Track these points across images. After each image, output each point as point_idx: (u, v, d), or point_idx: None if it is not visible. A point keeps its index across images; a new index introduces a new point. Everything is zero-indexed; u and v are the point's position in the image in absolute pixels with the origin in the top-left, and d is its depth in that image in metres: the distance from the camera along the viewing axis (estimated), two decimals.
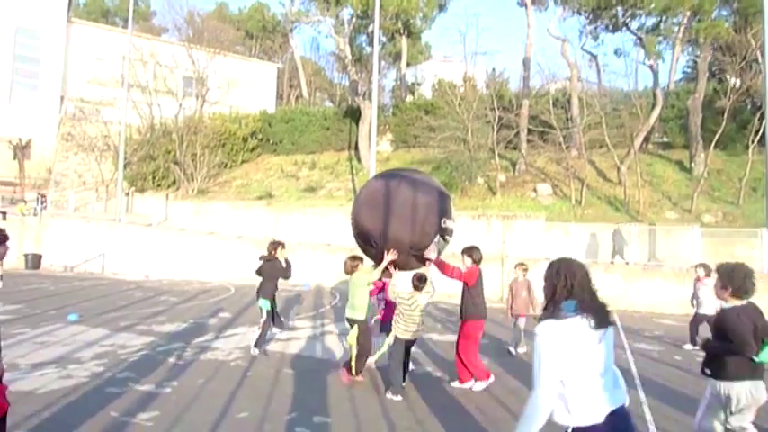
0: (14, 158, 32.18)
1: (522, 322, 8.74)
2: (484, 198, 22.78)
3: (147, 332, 9.28)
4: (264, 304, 7.83)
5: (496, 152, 23.77)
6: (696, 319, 9.31)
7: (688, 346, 9.29)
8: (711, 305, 8.24)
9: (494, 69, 32.48)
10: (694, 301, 9.53)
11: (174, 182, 28.74)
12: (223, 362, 7.32)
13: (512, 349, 8.66)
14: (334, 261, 16.75)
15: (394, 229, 6.05)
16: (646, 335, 10.87)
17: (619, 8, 24.10)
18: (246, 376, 6.60)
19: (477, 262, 6.63)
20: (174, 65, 33.71)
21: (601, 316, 2.46)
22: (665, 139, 25.71)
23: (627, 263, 16.32)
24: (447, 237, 6.36)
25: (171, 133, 29.33)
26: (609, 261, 16.61)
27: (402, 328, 6.20)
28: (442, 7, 32.49)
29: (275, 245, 8.01)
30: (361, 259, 6.78)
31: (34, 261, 21.30)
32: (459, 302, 6.63)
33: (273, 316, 8.02)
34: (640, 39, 24.73)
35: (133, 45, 30.20)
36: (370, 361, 6.90)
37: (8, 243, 2.98)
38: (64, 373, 6.38)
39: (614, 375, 2.47)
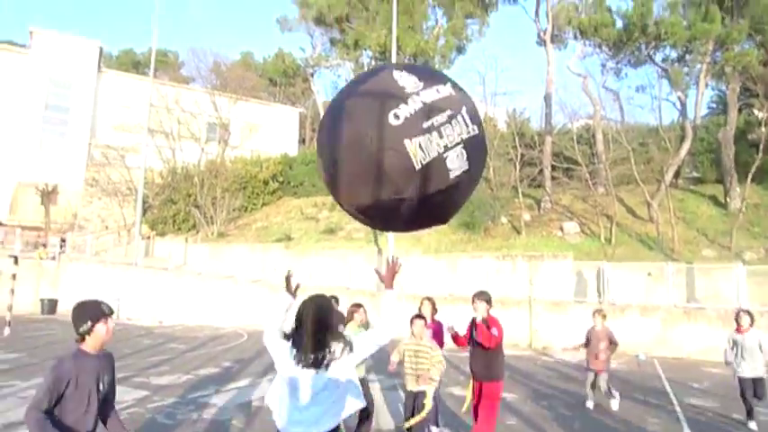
0: (41, 203, 32.71)
1: (603, 381, 7.59)
2: (508, 238, 21.93)
3: (142, 385, 8.63)
4: None
5: (520, 190, 23.06)
6: (743, 386, 7.02)
7: (753, 426, 6.94)
8: (757, 364, 6.92)
9: (514, 109, 32.12)
10: (736, 360, 7.11)
11: (195, 225, 28.67)
12: (214, 421, 6.61)
13: (590, 403, 7.71)
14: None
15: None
16: (694, 387, 9.76)
17: (641, 41, 23.59)
18: None
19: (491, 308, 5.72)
20: (197, 111, 34.31)
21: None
22: (696, 174, 24.69)
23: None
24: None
25: (192, 177, 29.50)
26: (645, 303, 15.48)
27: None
28: (460, 49, 32.57)
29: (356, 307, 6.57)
30: (358, 306, 6.05)
31: (50, 306, 21.08)
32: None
33: None
34: (665, 71, 24.09)
35: (158, 92, 30.87)
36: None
37: None
38: None
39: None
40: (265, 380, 9.20)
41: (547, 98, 27.13)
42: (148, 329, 17.05)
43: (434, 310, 6.61)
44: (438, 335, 6.48)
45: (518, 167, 23.52)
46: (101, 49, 35.66)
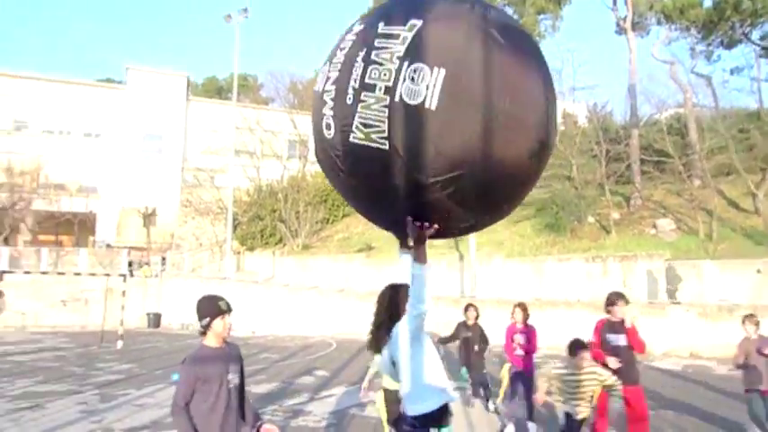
0: (143, 226, 35.37)
1: None
2: (596, 238, 20.97)
3: None
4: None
5: (607, 187, 22.01)
6: None
7: None
8: None
9: (595, 103, 30.76)
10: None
11: (281, 239, 29.82)
12: (313, 428, 6.81)
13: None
14: (437, 312, 15.95)
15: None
16: None
17: (734, 20, 21.86)
18: None
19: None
20: (278, 129, 35.84)
21: None
22: None
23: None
24: None
25: (276, 193, 30.77)
26: (755, 303, 14.21)
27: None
28: None
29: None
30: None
31: (155, 320, 22.70)
32: None
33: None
34: (765, 49, 22.16)
35: (241, 115, 32.53)
36: None
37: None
38: None
39: None
40: (356, 387, 9.35)
41: (631, 89, 25.78)
42: (244, 340, 17.90)
43: (526, 316, 6.59)
44: (531, 340, 6.47)
45: (603, 164, 22.48)
46: (188, 80, 38.22)
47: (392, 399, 4.52)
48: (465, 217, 2.70)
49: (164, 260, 26.37)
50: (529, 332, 6.54)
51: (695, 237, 19.15)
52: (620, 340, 5.14)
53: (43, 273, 21.55)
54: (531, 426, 6.25)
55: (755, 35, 22.32)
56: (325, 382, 10.25)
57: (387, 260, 23.62)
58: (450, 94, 2.30)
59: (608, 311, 5.33)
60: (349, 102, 2.51)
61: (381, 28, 2.52)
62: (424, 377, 2.77)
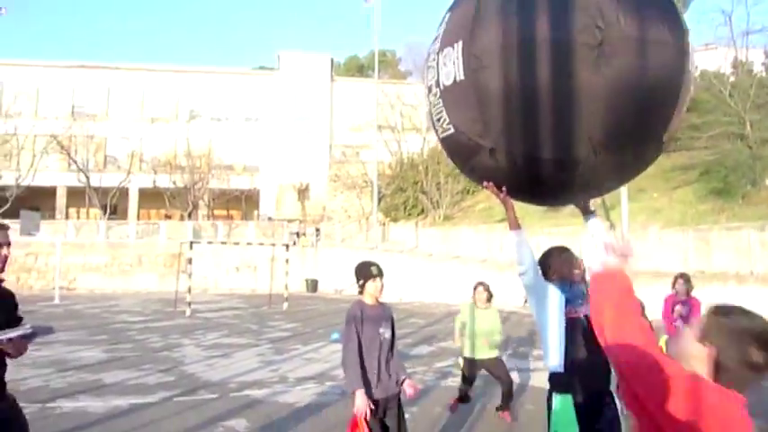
0: (298, 200, 38.63)
1: None
2: None
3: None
4: None
5: None
6: None
7: None
8: None
9: None
10: None
11: (423, 210, 30.66)
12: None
13: None
14: None
15: None
16: None
17: None
18: (486, 408, 6.38)
19: None
20: (417, 103, 36.46)
21: None
22: None
23: None
24: None
25: (417, 166, 31.55)
26: None
27: None
28: None
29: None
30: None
31: (312, 285, 24.95)
32: None
33: None
34: None
35: (382, 91, 33.65)
36: None
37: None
38: (320, 390, 7.11)
39: None
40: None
41: None
42: (393, 306, 18.98)
43: (690, 287, 6.22)
44: (694, 312, 6.11)
45: None
46: (332, 61, 40.33)
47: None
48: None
49: (318, 231, 28.66)
50: (692, 304, 6.20)
51: None
52: None
53: (222, 243, 24.70)
54: None
55: None
56: None
57: (529, 230, 23.19)
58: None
59: None
60: (427, 107, 2.84)
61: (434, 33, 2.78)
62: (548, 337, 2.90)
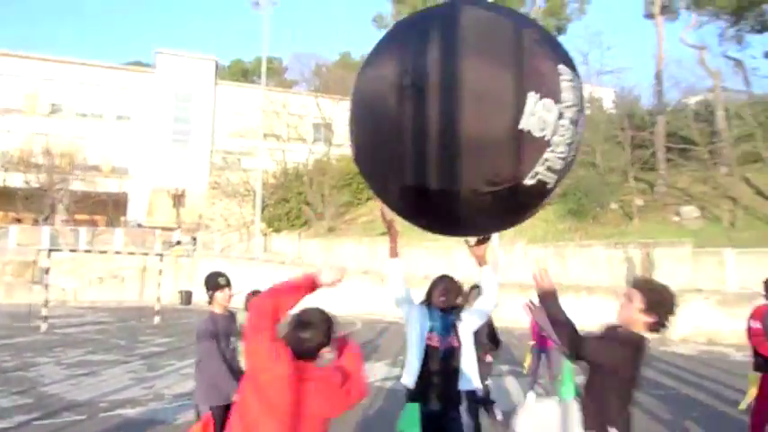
0: (173, 206, 36.48)
1: None
2: (619, 225, 21.12)
3: None
4: None
5: (630, 174, 22.06)
6: None
7: None
8: None
9: (622, 87, 30.49)
10: None
11: (306, 222, 30.53)
12: None
13: None
14: None
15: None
16: None
17: (766, 6, 21.52)
18: (368, 415, 6.58)
19: None
20: (303, 113, 36.38)
21: None
22: None
23: None
24: None
25: (302, 176, 31.41)
26: None
27: None
28: (560, 30, 31.57)
29: None
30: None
31: (187, 297, 23.67)
32: None
33: None
34: None
35: (267, 98, 33.12)
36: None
37: None
38: None
39: None
40: (382, 363, 9.94)
41: (658, 74, 25.55)
42: None
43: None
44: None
45: (628, 150, 22.50)
46: (216, 63, 38.91)
47: None
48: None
49: (194, 240, 27.31)
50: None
51: (719, 224, 19.20)
52: None
53: (86, 251, 22.55)
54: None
55: None
56: None
57: (409, 243, 24.12)
58: None
59: None
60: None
61: None
62: None
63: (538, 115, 2.21)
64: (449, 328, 3.10)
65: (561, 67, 2.33)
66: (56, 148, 32.16)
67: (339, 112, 35.53)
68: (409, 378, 3.05)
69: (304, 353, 2.23)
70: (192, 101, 37.16)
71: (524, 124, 2.20)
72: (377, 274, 21.13)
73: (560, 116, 2.27)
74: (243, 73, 55.67)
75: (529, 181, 2.28)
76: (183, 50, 38.03)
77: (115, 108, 35.85)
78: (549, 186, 2.39)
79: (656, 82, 25.69)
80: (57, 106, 34.83)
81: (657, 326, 2.39)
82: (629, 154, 22.49)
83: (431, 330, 3.07)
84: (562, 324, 2.39)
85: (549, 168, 2.32)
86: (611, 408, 2.30)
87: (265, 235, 30.20)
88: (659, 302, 2.38)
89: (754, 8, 21.79)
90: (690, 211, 20.36)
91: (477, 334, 3.37)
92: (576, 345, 2.33)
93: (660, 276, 16.19)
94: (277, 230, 31.12)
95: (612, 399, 2.31)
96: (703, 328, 14.44)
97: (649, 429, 6.10)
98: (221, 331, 3.83)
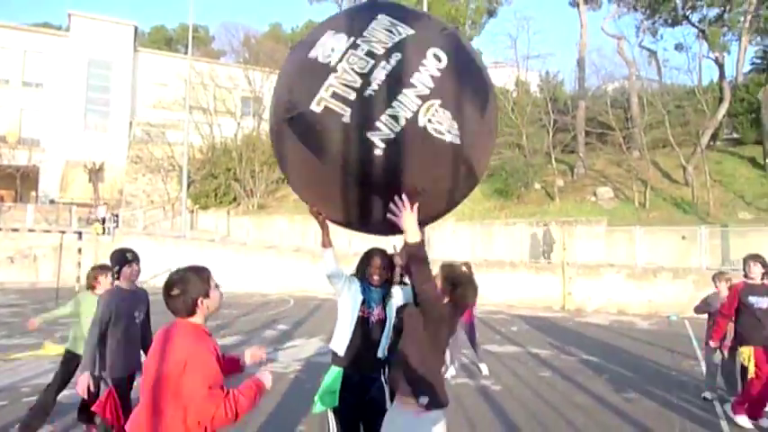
0: (89, 181, 34.34)
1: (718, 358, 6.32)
2: (541, 204, 22.26)
3: None
4: None
5: (553, 156, 23.21)
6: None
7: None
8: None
9: (547, 72, 31.77)
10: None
11: (235, 198, 29.79)
12: (281, 374, 7.47)
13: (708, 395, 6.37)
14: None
15: None
16: None
17: (678, 1, 23.07)
18: (305, 389, 6.69)
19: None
20: (232, 86, 35.08)
21: None
22: (735, 135, 24.31)
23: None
24: None
25: (231, 152, 30.50)
26: (677, 266, 15.77)
27: None
28: (491, 13, 32.25)
29: None
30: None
31: None
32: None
33: None
34: (703, 31, 23.56)
35: (194, 69, 31.71)
36: None
37: None
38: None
39: None
40: (317, 339, 10.07)
41: (580, 61, 26.85)
42: None
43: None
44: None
45: (551, 133, 23.61)
46: (135, 29, 36.61)
47: None
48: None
49: (116, 217, 25.96)
50: None
51: (631, 205, 20.69)
52: (764, 303, 5.05)
53: None
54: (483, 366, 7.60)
55: (695, 17, 23.67)
56: (286, 334, 10.92)
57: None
58: None
59: (745, 275, 5.29)
60: None
61: None
62: None
63: (327, 44, 2.48)
64: (379, 301, 3.30)
65: (381, 16, 2.53)
66: None
67: (269, 85, 34.68)
68: (340, 345, 3.23)
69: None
70: (109, 69, 34.86)
71: (313, 53, 2.50)
72: (309, 252, 21.12)
73: (354, 46, 2.41)
74: (165, 41, 52.76)
75: (315, 107, 2.35)
76: (100, 14, 35.49)
77: (23, 73, 33.02)
78: (344, 120, 2.29)
79: (579, 68, 27.01)
80: None
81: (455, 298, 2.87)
82: (551, 137, 23.61)
83: (363, 303, 3.26)
84: (427, 263, 2.64)
85: (334, 95, 2.33)
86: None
87: (192, 212, 29.22)
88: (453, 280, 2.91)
89: (668, 3, 23.31)
90: (605, 191, 21.78)
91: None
92: (425, 287, 2.66)
93: (577, 252, 17.32)
94: (204, 207, 30.19)
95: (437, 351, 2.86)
96: (614, 299, 15.65)
97: (565, 392, 6.66)
98: (124, 308, 3.88)
